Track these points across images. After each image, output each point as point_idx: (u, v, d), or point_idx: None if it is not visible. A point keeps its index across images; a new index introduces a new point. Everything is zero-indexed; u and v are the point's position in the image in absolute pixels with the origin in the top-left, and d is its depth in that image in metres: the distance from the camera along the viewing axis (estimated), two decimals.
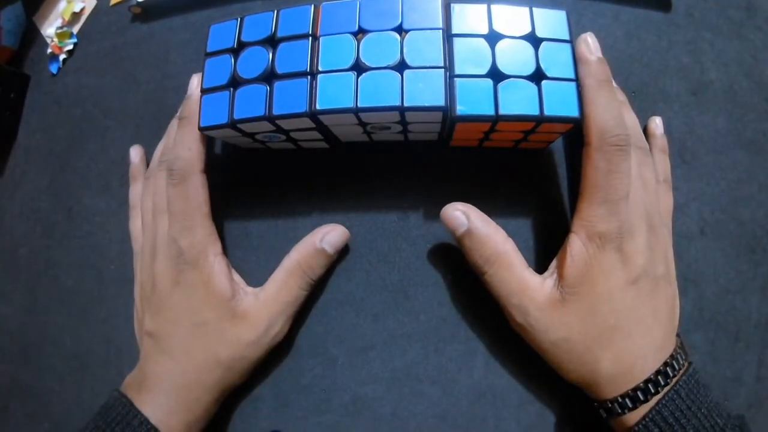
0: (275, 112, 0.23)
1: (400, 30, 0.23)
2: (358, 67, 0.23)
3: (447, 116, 0.23)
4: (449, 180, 0.29)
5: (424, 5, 0.23)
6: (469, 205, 0.24)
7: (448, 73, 0.22)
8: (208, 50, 0.25)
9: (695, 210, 0.28)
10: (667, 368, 0.22)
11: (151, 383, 0.24)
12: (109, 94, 0.34)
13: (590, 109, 0.22)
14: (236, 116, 0.23)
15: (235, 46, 0.24)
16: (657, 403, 0.21)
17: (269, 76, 0.23)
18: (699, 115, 0.29)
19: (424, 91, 0.22)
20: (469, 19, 0.23)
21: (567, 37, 0.23)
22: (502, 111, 0.22)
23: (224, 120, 0.24)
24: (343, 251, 0.28)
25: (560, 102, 0.22)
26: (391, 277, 0.28)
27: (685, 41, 0.30)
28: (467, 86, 0.22)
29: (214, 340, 0.24)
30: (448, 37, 0.23)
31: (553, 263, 0.24)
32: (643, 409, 0.21)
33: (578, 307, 0.22)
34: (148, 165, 0.31)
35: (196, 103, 0.25)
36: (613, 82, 0.25)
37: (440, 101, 0.22)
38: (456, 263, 0.27)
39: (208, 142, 0.26)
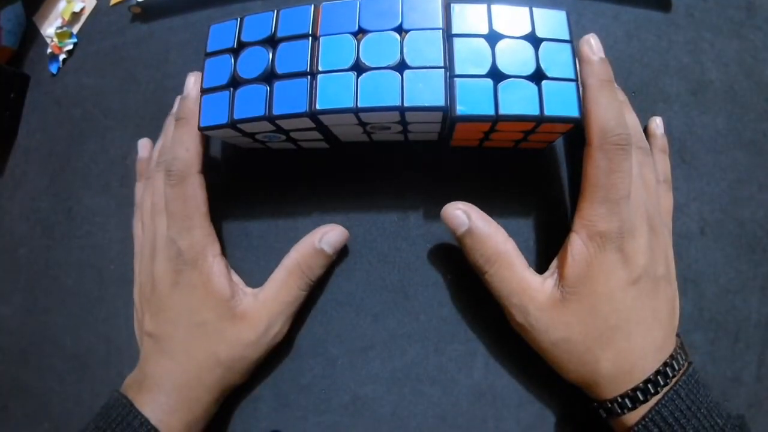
0: (275, 112, 0.23)
1: (400, 30, 0.23)
2: (358, 67, 0.23)
3: (447, 116, 0.23)
4: (449, 180, 0.29)
5: (424, 5, 0.23)
6: (469, 204, 0.24)
7: (448, 73, 0.22)
8: (208, 50, 0.25)
9: (695, 210, 0.28)
10: (667, 368, 0.22)
11: (151, 383, 0.24)
12: (109, 94, 0.34)
13: (592, 109, 0.22)
14: (236, 116, 0.23)
15: (235, 46, 0.24)
16: (657, 403, 0.21)
17: (269, 76, 0.23)
18: (699, 115, 0.29)
19: (424, 91, 0.22)
20: (469, 19, 0.23)
21: (567, 37, 0.23)
22: (502, 111, 0.22)
23: (224, 120, 0.24)
24: (343, 251, 0.28)
25: (560, 102, 0.22)
26: (391, 277, 0.28)
27: (685, 41, 0.30)
28: (467, 86, 0.22)
29: (214, 340, 0.24)
30: (448, 37, 0.23)
31: (554, 263, 0.24)
32: (643, 409, 0.21)
33: (578, 307, 0.22)
34: None
35: (194, 102, 0.25)
36: (615, 83, 0.25)
37: (440, 101, 0.22)
38: (456, 263, 0.27)
39: (206, 141, 0.26)
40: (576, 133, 0.24)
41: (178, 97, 0.27)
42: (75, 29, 0.37)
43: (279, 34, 0.24)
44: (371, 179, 0.29)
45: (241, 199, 0.30)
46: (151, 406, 0.23)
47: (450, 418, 0.26)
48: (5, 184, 0.35)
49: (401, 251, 0.28)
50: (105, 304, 0.31)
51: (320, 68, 0.23)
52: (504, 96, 0.22)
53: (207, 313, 0.25)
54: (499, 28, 0.23)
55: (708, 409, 0.21)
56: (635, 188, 0.23)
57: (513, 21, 0.23)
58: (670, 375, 0.21)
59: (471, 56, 0.23)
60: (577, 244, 0.23)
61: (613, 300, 0.22)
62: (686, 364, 0.22)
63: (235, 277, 0.27)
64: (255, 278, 0.27)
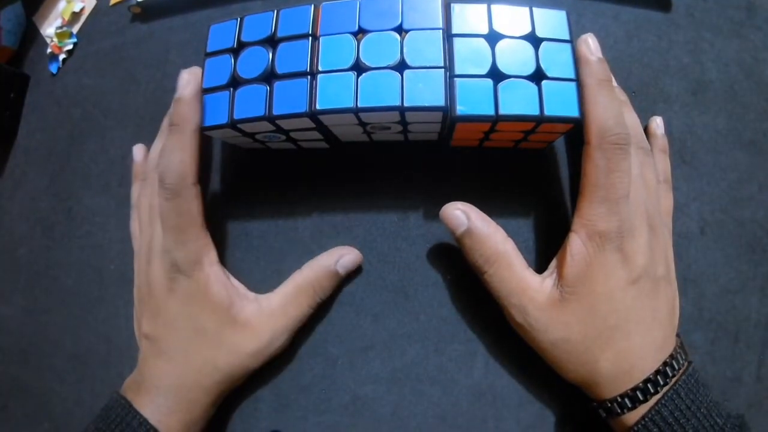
0: (275, 112, 0.23)
1: (400, 30, 0.23)
2: (358, 67, 0.23)
3: (447, 116, 0.23)
4: (449, 180, 0.29)
5: (424, 5, 0.23)
6: (469, 204, 0.24)
7: (448, 73, 0.22)
8: (208, 50, 0.25)
9: (695, 210, 0.28)
10: (667, 368, 0.22)
11: (149, 385, 0.24)
12: (109, 94, 0.34)
13: (591, 109, 0.22)
14: (236, 116, 0.23)
15: (235, 46, 0.24)
16: (656, 403, 0.21)
17: (269, 76, 0.23)
18: (699, 115, 0.29)
19: (424, 91, 0.22)
20: (469, 19, 0.23)
21: (567, 37, 0.23)
22: (502, 111, 0.22)
23: (224, 120, 0.24)
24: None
25: (560, 102, 0.22)
26: (391, 277, 0.28)
27: (685, 41, 0.30)
28: (467, 86, 0.22)
29: (213, 346, 0.24)
30: (448, 37, 0.23)
31: (553, 263, 0.24)
32: (643, 409, 0.21)
33: (578, 307, 0.22)
34: None
35: (187, 105, 0.24)
36: (614, 82, 0.25)
37: (440, 101, 0.22)
38: (456, 263, 0.27)
39: (204, 146, 0.26)
40: (576, 133, 0.24)
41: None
42: (75, 29, 0.37)
43: (279, 34, 0.24)
44: (371, 179, 0.29)
45: (241, 199, 0.30)
46: (150, 408, 0.23)
47: (450, 418, 0.26)
48: (5, 184, 0.35)
49: (401, 251, 0.28)
50: (105, 304, 0.31)
51: (320, 68, 0.23)
52: (504, 96, 0.22)
53: (206, 320, 0.24)
54: (499, 28, 0.23)
55: (708, 409, 0.21)
56: (635, 188, 0.23)
57: (513, 21, 0.23)
58: (670, 375, 0.21)
59: (471, 56, 0.23)
60: (576, 244, 0.23)
61: (613, 300, 0.22)
62: (686, 364, 0.22)
63: (236, 282, 0.27)
64: (255, 279, 0.27)
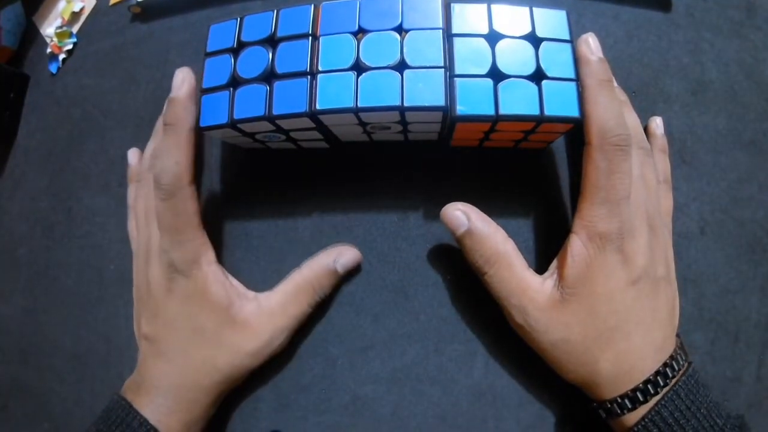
0: (275, 112, 0.23)
1: (400, 30, 0.23)
2: (358, 67, 0.23)
3: (447, 116, 0.23)
4: (449, 180, 0.29)
5: (424, 5, 0.23)
6: (469, 205, 0.24)
7: (448, 73, 0.22)
8: (208, 50, 0.25)
9: (695, 210, 0.28)
10: (667, 369, 0.22)
11: (149, 385, 0.24)
12: (109, 94, 0.34)
13: (591, 109, 0.22)
14: (236, 116, 0.23)
15: (235, 45, 0.24)
16: (656, 404, 0.21)
17: (269, 76, 0.23)
18: (699, 115, 0.29)
19: (424, 91, 0.22)
20: (469, 18, 0.23)
21: (567, 37, 0.23)
22: (502, 111, 0.22)
23: (224, 120, 0.24)
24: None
25: (560, 102, 0.22)
26: (391, 277, 0.28)
27: (685, 41, 0.30)
28: (467, 86, 0.22)
29: (213, 346, 0.24)
30: (448, 36, 0.23)
31: (553, 264, 0.24)
32: (643, 410, 0.21)
33: (578, 308, 0.22)
34: None
35: (182, 105, 0.24)
36: (615, 82, 0.25)
37: (440, 101, 0.22)
38: (456, 263, 0.27)
39: (199, 146, 0.25)
40: (576, 133, 0.24)
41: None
42: (75, 29, 0.37)
43: (279, 34, 0.24)
44: (371, 179, 0.29)
45: (241, 199, 0.30)
46: (149, 408, 0.23)
47: (450, 418, 0.26)
48: (5, 184, 0.35)
49: (401, 251, 0.28)
50: (105, 304, 0.31)
51: (320, 68, 0.23)
52: (504, 96, 0.22)
53: (205, 320, 0.24)
54: (499, 27, 0.23)
55: (708, 410, 0.21)
56: (635, 189, 0.23)
57: (513, 21, 0.23)
58: (670, 375, 0.21)
59: (471, 56, 0.23)
60: (576, 245, 0.23)
61: (613, 301, 0.22)
62: (686, 365, 0.22)
63: (235, 281, 0.27)
64: (255, 278, 0.27)
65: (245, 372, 0.25)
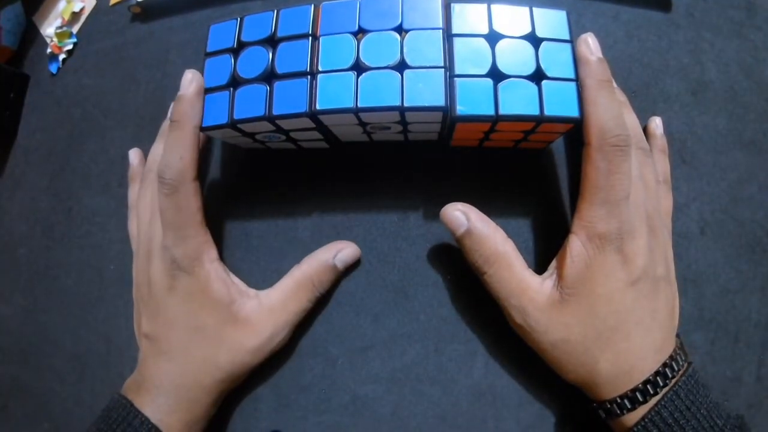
0: (275, 112, 0.23)
1: (400, 30, 0.23)
2: (358, 67, 0.23)
3: (447, 116, 0.23)
4: (449, 180, 0.29)
5: (424, 5, 0.23)
6: (468, 205, 0.24)
7: (448, 73, 0.22)
8: (208, 50, 0.25)
9: (695, 210, 0.28)
10: (666, 369, 0.22)
11: (149, 385, 0.24)
12: (109, 94, 0.34)
13: (590, 109, 0.22)
14: (236, 116, 0.23)
15: (235, 46, 0.24)
16: (656, 404, 0.21)
17: (269, 76, 0.23)
18: (699, 115, 0.29)
19: (424, 91, 0.22)
20: (469, 18, 0.23)
21: (567, 37, 0.23)
22: (502, 111, 0.22)
23: (224, 120, 0.24)
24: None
25: (560, 102, 0.22)
26: (391, 277, 0.28)
27: (685, 41, 0.30)
28: (467, 86, 0.22)
29: (214, 344, 0.24)
30: (448, 36, 0.23)
31: (553, 264, 0.24)
32: (643, 410, 0.21)
33: (577, 308, 0.22)
34: None
35: (189, 103, 0.24)
36: (614, 83, 0.25)
37: (440, 101, 0.22)
38: (456, 263, 0.27)
39: (204, 143, 0.26)
40: (576, 133, 0.24)
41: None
42: (75, 29, 0.37)
43: (279, 34, 0.24)
44: (371, 179, 0.29)
45: (241, 199, 0.30)
46: (150, 407, 0.23)
47: (450, 418, 0.26)
48: (5, 184, 0.35)
49: (401, 251, 0.28)
50: (105, 304, 0.31)
51: (320, 68, 0.23)
52: (504, 96, 0.22)
53: (206, 318, 0.24)
54: (499, 27, 0.23)
55: (708, 410, 0.21)
56: (635, 189, 0.23)
57: (513, 21, 0.23)
58: (670, 376, 0.21)
59: (471, 56, 0.23)
60: (576, 246, 0.23)
61: (612, 301, 0.22)
62: (686, 365, 0.22)
63: (236, 279, 0.27)
64: (255, 278, 0.27)
65: (246, 370, 0.25)
